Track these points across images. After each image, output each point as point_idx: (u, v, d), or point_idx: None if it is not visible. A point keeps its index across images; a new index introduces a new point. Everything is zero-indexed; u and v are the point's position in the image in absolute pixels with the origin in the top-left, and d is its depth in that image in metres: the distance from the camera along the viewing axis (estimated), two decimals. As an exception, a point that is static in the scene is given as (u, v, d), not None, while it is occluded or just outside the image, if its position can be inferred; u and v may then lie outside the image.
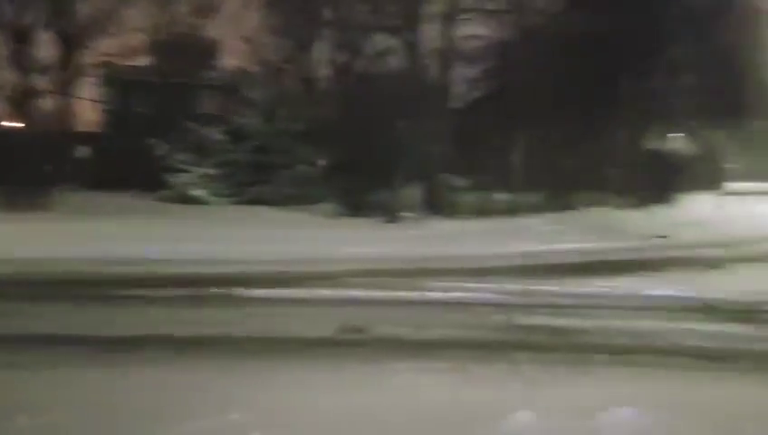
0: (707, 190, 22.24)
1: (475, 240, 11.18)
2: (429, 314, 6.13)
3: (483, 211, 14.82)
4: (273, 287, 7.05)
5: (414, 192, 15.03)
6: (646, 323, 5.92)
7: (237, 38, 17.52)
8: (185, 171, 15.41)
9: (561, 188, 16.24)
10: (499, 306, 6.43)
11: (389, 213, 13.60)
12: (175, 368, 4.34)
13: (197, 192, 15.29)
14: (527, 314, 6.10)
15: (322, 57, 17.71)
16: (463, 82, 17.68)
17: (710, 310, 6.41)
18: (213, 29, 18.00)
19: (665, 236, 12.48)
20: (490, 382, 4.23)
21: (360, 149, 14.41)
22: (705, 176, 25.88)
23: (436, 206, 14.73)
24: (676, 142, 26.09)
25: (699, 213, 17.58)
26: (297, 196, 14.92)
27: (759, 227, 14.37)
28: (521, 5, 17.32)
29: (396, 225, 13.21)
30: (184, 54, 16.86)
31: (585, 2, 16.87)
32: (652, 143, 22.40)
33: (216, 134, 15.79)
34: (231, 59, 18.37)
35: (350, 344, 5.06)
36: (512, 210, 15.06)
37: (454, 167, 15.79)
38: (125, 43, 17.39)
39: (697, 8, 17.49)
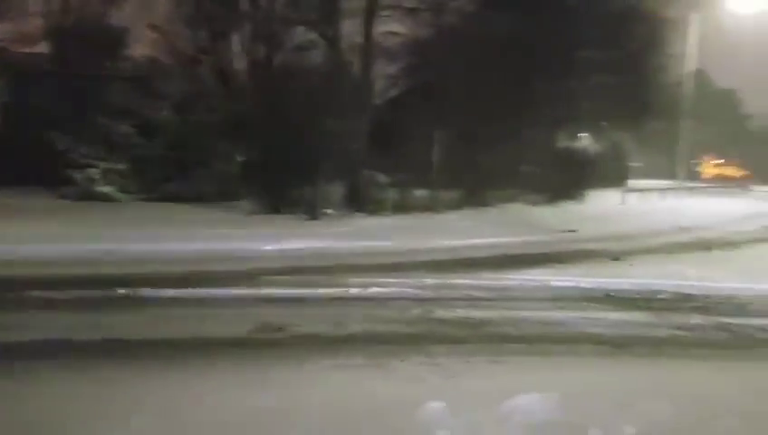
0: (612, 187, 23.69)
1: (395, 236, 11.29)
2: (349, 310, 6.12)
3: (403, 208, 14.99)
4: (184, 287, 6.79)
5: (335, 189, 14.96)
6: (555, 313, 6.20)
7: (147, 26, 16.67)
8: (90, 167, 14.51)
9: (477, 185, 16.71)
10: (417, 300, 6.52)
11: (310, 210, 13.45)
12: (79, 374, 4.08)
13: (104, 189, 14.41)
14: (444, 308, 6.23)
15: (240, 49, 17.22)
16: (383, 78, 17.78)
17: (612, 299, 6.82)
18: (121, 16, 17.03)
19: (573, 231, 13.13)
20: (407, 376, 4.28)
21: (280, 144, 14.13)
22: (611, 173, 27.54)
23: (358, 202, 14.72)
24: (585, 142, 27.61)
25: (605, 208, 18.70)
26: (213, 193, 14.42)
27: (657, 222, 15.47)
28: (439, 4, 17.62)
29: (316, 222, 13.09)
30: (88, 42, 15.83)
31: (501, 3, 17.41)
32: (563, 142, 23.57)
33: (124, 128, 14.97)
34: (141, 48, 17.43)
35: (268, 344, 4.97)
36: (431, 207, 15.34)
37: (375, 163, 15.86)
38: (21, 28, 16.11)
39: (605, 14, 18.49)
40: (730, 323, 6.01)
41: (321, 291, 6.88)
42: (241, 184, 14.95)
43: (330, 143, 14.58)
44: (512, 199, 17.29)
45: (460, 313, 6.09)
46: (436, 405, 3.76)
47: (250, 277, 7.44)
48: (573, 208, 18.12)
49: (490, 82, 15.45)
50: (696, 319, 6.13)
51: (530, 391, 4.05)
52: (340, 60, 16.31)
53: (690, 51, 25.63)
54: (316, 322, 5.52)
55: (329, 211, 13.91)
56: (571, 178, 20.43)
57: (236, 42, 17.39)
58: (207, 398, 3.75)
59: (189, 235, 10.31)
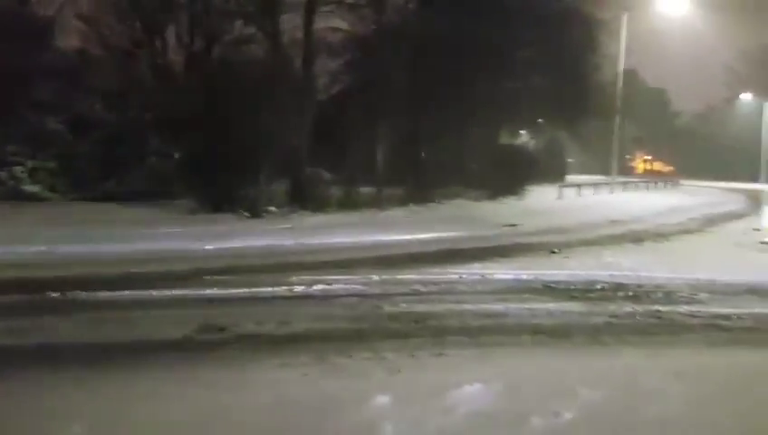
0: (551, 182, 24.47)
1: (339, 233, 11.26)
2: (294, 308, 6.06)
3: (348, 205, 14.97)
4: (121, 289, 6.54)
5: (278, 186, 14.76)
6: (497, 306, 6.34)
7: (76, 17, 15.90)
8: (16, 165, 13.73)
9: (422, 181, 16.88)
10: (363, 297, 6.52)
11: (252, 208, 13.21)
12: (2, 382, 3.86)
13: (32, 188, 13.68)
14: (390, 303, 6.26)
15: (177, 43, 16.69)
16: (326, 75, 17.67)
17: (550, 290, 7.03)
18: (48, 6, 16.16)
19: (514, 225, 13.46)
20: (354, 372, 4.28)
21: (220, 141, 13.77)
22: (550, 169, 28.42)
23: (301, 200, 14.57)
24: (525, 139, 28.40)
25: (544, 203, 19.29)
26: (150, 191, 13.93)
27: (592, 216, 16.07)
28: (380, 1, 17.65)
29: (258, 220, 12.87)
30: (10, 33, 14.96)
31: (442, 2, 17.61)
32: (504, 140, 24.17)
33: (53, 124, 14.23)
34: (70, 40, 16.60)
35: (209, 345, 4.85)
36: (376, 203, 15.39)
37: (319, 160, 15.75)
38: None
39: (542, 15, 19.02)
40: (660, 311, 6.31)
41: (265, 290, 6.76)
42: (180, 182, 14.51)
43: (271, 139, 14.36)
44: (455, 196, 17.58)
45: (405, 307, 6.14)
46: (381, 399, 3.78)
47: (190, 278, 7.24)
48: (514, 204, 18.61)
49: (432, 80, 15.63)
50: (628, 307, 6.41)
51: (473, 383, 4.14)
52: (280, 54, 16.07)
53: (622, 51, 26.72)
54: (260, 321, 5.43)
55: (272, 209, 13.70)
56: (512, 175, 20.97)
57: (173, 34, 16.87)
58: (140, 403, 3.62)
59: (126, 235, 9.95)
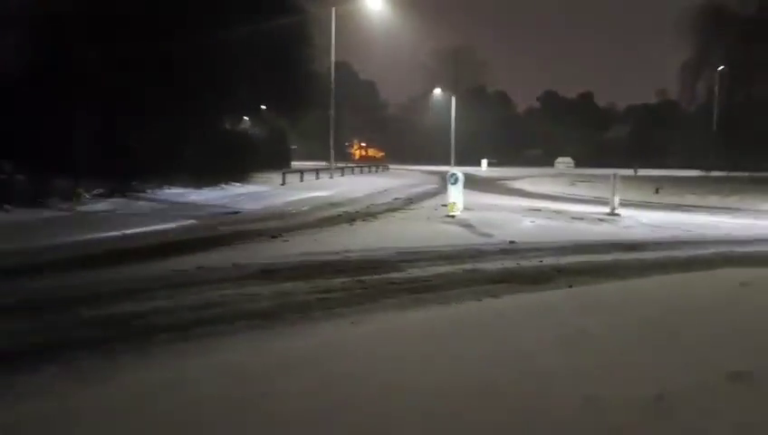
0: (275, 169, 24.93)
1: (33, 232, 9.68)
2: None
3: (37, 199, 12.92)
4: None
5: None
6: (213, 295, 6.16)
7: None
8: None
9: (130, 171, 15.47)
10: (55, 303, 5.70)
11: None
12: None
13: None
14: (89, 307, 5.59)
15: None
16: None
17: (267, 274, 7.13)
18: None
19: (237, 212, 13.33)
20: (34, 391, 3.70)
21: None
22: (275, 156, 28.92)
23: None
24: (247, 127, 28.27)
25: (267, 189, 19.55)
26: None
27: (312, 200, 16.87)
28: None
29: None
30: None
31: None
32: (225, 127, 23.66)
33: None
34: None
35: None
36: (73, 196, 13.60)
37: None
38: None
39: (258, 5, 18.98)
40: (367, 280, 6.90)
41: None
42: None
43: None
44: (171, 184, 16.62)
45: (109, 310, 5.55)
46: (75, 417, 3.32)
47: None
48: (238, 190, 18.44)
49: (132, 62, 14.29)
50: (340, 281, 6.86)
51: (182, 381, 3.92)
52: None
53: (333, 44, 28.45)
54: None
55: None
56: (235, 162, 20.73)
57: None
58: None
59: None
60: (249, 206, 14.60)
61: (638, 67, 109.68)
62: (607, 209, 15.22)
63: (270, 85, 21.68)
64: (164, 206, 13.89)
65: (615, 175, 15.35)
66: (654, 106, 68.20)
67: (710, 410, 3.14)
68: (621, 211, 15.05)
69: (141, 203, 13.94)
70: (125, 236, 9.83)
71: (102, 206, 13.30)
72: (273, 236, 10.01)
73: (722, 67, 39.86)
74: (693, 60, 41.46)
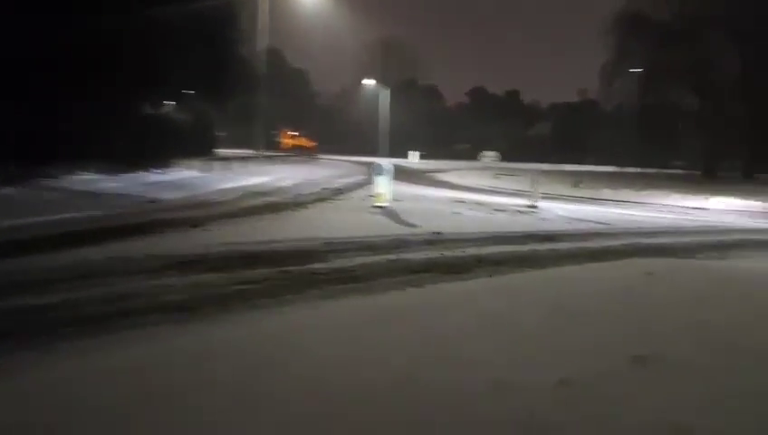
0: (199, 156, 24.11)
1: None
2: None
3: None
4: None
5: None
6: (124, 287, 5.86)
7: None
8: None
9: (30, 155, 14.34)
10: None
11: None
12: None
13: None
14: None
15: None
16: None
17: (184, 266, 6.85)
18: None
19: (154, 201, 12.77)
20: None
21: None
22: (199, 143, 27.94)
23: None
24: (170, 111, 27.15)
25: (189, 176, 18.88)
26: None
27: (235, 189, 16.41)
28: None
29: None
30: None
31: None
32: (146, 111, 22.59)
33: None
34: None
35: None
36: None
37: None
38: None
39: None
40: (291, 271, 6.79)
41: None
42: None
43: None
44: (83, 170, 15.69)
45: (7, 302, 5.16)
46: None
47: None
48: (157, 177, 17.69)
49: (44, 45, 13.24)
50: (263, 272, 6.71)
51: (86, 378, 3.70)
52: None
53: (260, 29, 27.79)
54: None
55: None
56: (157, 147, 19.85)
57: None
58: None
59: None
60: (169, 194, 14.00)
61: (561, 67, 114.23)
62: (528, 202, 15.77)
63: (195, 69, 20.86)
64: (72, 193, 13.06)
65: (536, 171, 15.94)
66: (575, 105, 71.18)
67: (615, 392, 3.30)
68: (541, 204, 15.63)
69: (45, 191, 13.01)
70: (24, 226, 9.14)
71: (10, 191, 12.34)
72: (194, 226, 9.65)
73: (638, 69, 42.09)
74: (611, 62, 43.50)
